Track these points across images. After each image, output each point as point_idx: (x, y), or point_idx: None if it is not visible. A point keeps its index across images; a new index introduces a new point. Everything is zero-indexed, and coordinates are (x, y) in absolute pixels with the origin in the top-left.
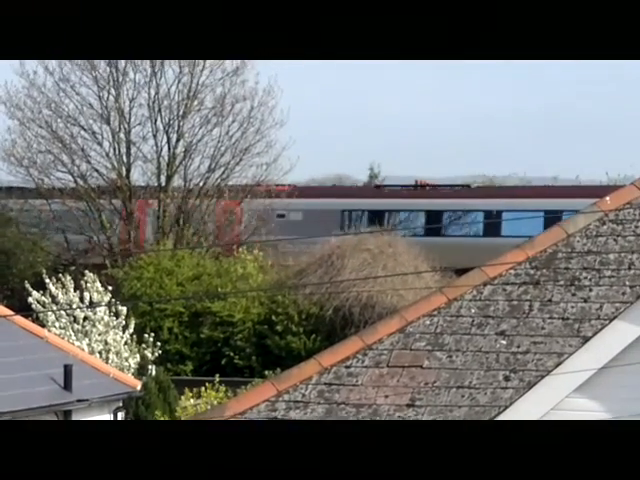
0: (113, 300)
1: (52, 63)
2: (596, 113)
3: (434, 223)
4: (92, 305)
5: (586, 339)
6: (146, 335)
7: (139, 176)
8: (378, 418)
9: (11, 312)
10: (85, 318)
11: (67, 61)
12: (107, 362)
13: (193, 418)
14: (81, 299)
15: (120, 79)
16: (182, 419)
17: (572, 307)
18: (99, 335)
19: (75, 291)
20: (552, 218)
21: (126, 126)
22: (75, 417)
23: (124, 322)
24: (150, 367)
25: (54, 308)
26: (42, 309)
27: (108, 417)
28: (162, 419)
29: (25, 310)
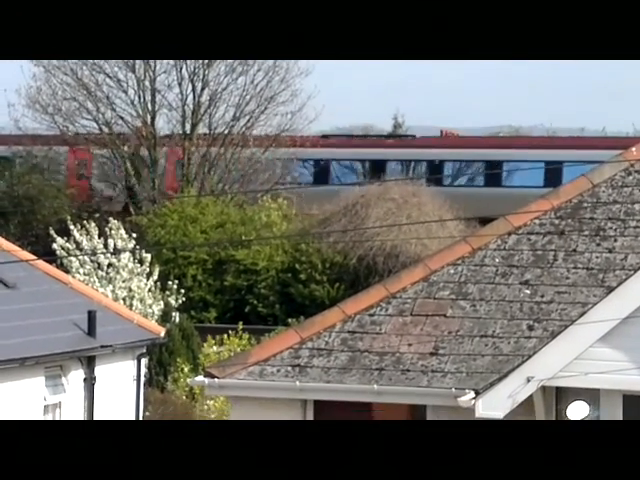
0: (137, 247)
1: None
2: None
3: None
4: (116, 251)
5: (610, 289)
6: (170, 282)
7: (164, 124)
8: (401, 367)
9: (35, 257)
10: (109, 265)
11: None
12: (131, 309)
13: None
14: (105, 246)
15: None
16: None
17: (597, 257)
18: (123, 282)
19: (99, 238)
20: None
21: (151, 74)
22: (98, 363)
23: (148, 269)
24: (174, 314)
25: (78, 254)
26: (66, 255)
27: (132, 363)
28: (185, 366)
29: (49, 256)
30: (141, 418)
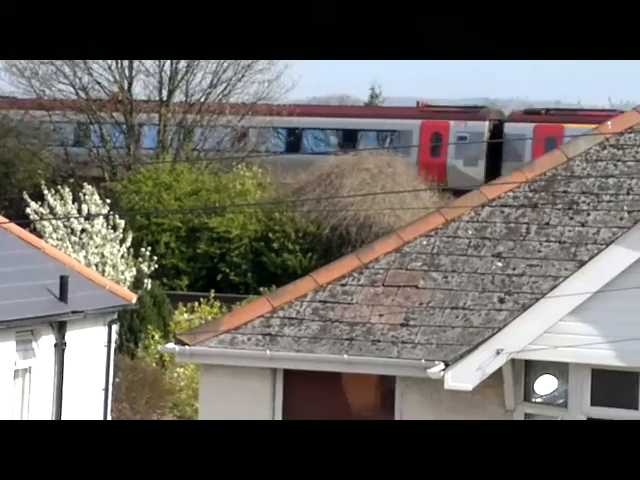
0: (111, 213)
1: None
2: None
3: None
4: (90, 217)
5: (582, 263)
6: (143, 249)
7: (140, 90)
8: (372, 337)
9: (8, 220)
10: (82, 230)
11: None
12: (103, 275)
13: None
14: (79, 211)
15: None
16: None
17: (569, 231)
18: (96, 247)
19: (73, 203)
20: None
21: None
22: (69, 328)
23: (121, 235)
24: (146, 281)
25: (52, 219)
26: (39, 219)
27: (103, 329)
28: (156, 333)
29: (23, 220)
30: (110, 384)
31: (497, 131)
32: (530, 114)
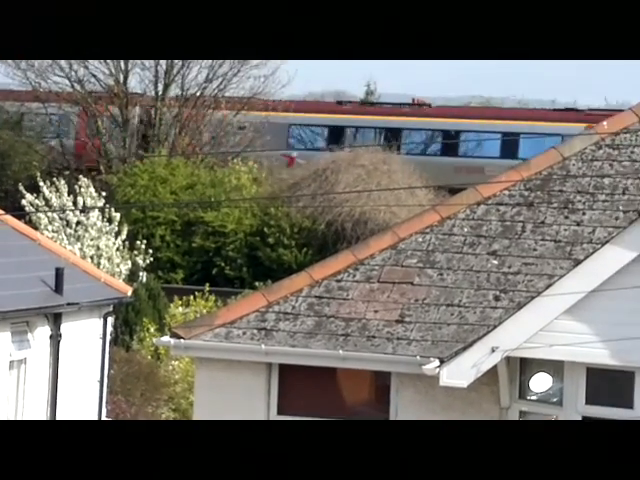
0: (106, 205)
1: None
2: None
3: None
4: (85, 209)
5: (577, 262)
6: (138, 242)
7: (136, 83)
8: (367, 333)
9: (3, 212)
10: (78, 223)
11: None
12: (98, 267)
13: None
14: (74, 204)
15: None
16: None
17: (565, 230)
18: (91, 240)
19: (69, 195)
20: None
21: None
22: (65, 320)
23: (117, 228)
24: (141, 274)
25: (47, 211)
26: (35, 211)
27: (98, 321)
28: (151, 326)
29: (18, 212)
30: (105, 376)
31: None
32: None
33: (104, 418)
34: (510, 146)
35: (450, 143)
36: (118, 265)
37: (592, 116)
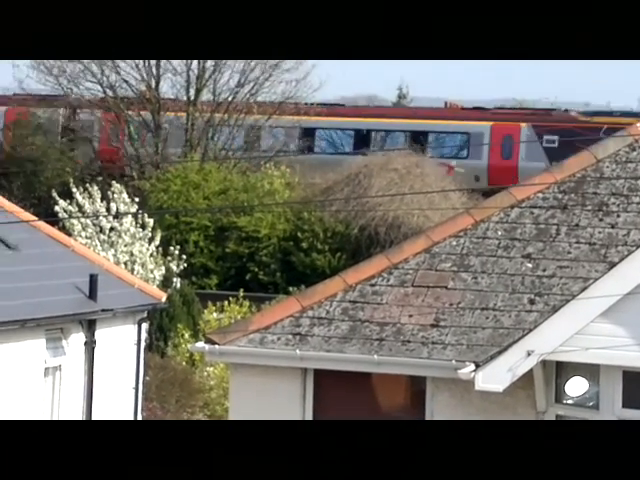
0: (140, 211)
1: None
2: None
3: None
4: (118, 215)
5: (612, 265)
6: (172, 248)
7: (168, 89)
8: (402, 337)
9: (37, 218)
10: (111, 229)
11: None
12: (132, 273)
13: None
14: (107, 210)
15: None
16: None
17: (599, 232)
18: (125, 246)
19: (102, 201)
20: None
21: None
22: (99, 327)
23: (150, 234)
24: (175, 280)
25: (80, 217)
26: (68, 218)
27: (132, 327)
28: (185, 332)
29: (52, 218)
30: (140, 383)
31: None
32: None
33: None
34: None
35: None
36: (152, 271)
37: (499, 115)
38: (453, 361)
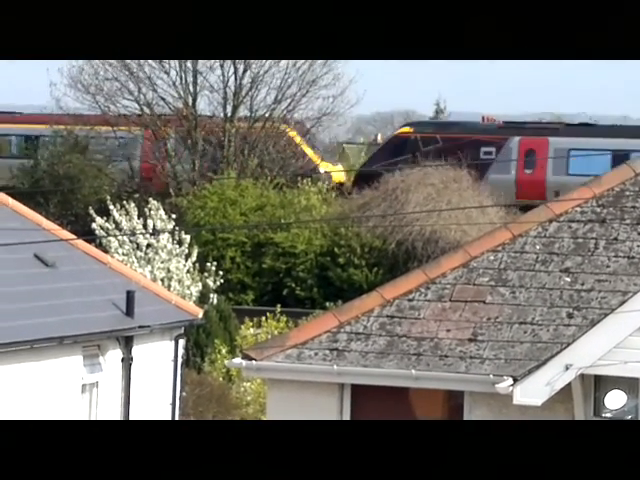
0: (176, 228)
1: None
2: None
3: None
4: (155, 232)
5: None
6: (208, 264)
7: (205, 106)
8: (439, 352)
9: (75, 236)
10: (148, 245)
11: None
12: (169, 289)
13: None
14: (144, 226)
15: None
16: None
17: (638, 246)
18: (162, 263)
19: (139, 218)
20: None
21: None
22: (136, 343)
23: (187, 250)
24: (212, 296)
25: (117, 234)
26: (105, 235)
27: (169, 344)
28: (222, 347)
29: (89, 236)
30: (177, 399)
31: None
32: None
33: None
34: None
35: None
36: (188, 287)
37: None
38: (491, 375)
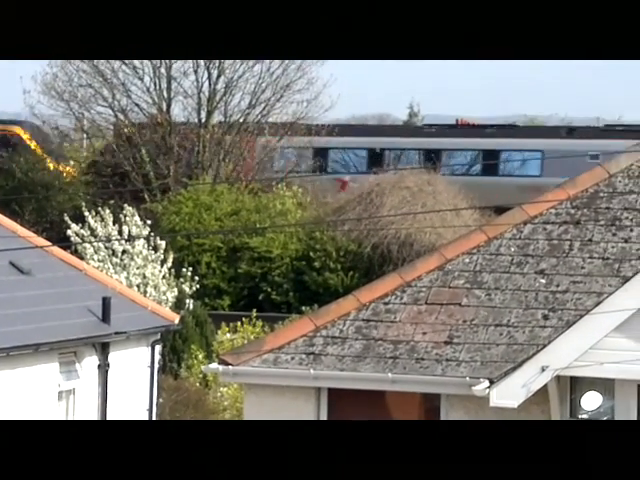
0: (152, 234)
1: None
2: None
3: None
4: (131, 238)
5: (626, 279)
6: (184, 269)
7: (179, 111)
8: (416, 355)
9: (50, 243)
10: (124, 251)
11: None
12: (145, 295)
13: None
14: (120, 233)
15: None
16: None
17: (612, 247)
18: (137, 268)
19: (114, 225)
20: None
21: (167, 61)
22: (112, 349)
23: (162, 256)
24: (188, 301)
25: (93, 241)
26: (81, 242)
27: (146, 350)
28: (199, 353)
29: (64, 243)
30: (154, 405)
31: None
32: None
33: None
34: None
35: None
36: (164, 293)
37: None
38: (467, 378)
